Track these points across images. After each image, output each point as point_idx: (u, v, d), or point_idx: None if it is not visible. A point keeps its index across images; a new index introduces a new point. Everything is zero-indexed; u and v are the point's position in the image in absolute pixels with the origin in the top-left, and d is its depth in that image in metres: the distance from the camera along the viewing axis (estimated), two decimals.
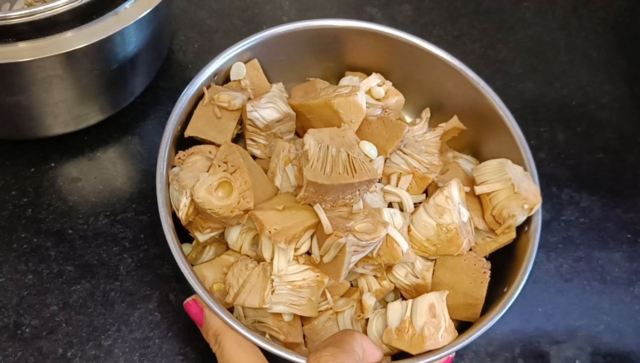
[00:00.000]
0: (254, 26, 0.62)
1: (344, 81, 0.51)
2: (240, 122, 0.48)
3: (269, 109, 0.46)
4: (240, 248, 0.45)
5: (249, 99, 0.48)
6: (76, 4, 0.42)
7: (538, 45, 0.66)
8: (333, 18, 0.52)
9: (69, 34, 0.42)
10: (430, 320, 0.41)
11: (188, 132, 0.47)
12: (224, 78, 0.50)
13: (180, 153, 0.46)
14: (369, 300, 0.44)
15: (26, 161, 0.53)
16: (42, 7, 0.41)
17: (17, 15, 0.41)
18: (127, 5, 0.44)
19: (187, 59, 0.60)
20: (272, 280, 0.42)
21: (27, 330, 0.46)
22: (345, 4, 0.65)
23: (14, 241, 0.49)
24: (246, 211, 0.42)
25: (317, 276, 0.42)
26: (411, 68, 0.53)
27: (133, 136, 0.55)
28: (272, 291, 0.41)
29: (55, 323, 0.47)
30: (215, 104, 0.47)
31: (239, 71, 0.50)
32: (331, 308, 0.45)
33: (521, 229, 0.47)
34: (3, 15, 0.41)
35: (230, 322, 0.40)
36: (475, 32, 0.65)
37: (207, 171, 0.43)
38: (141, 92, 0.55)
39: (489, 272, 0.45)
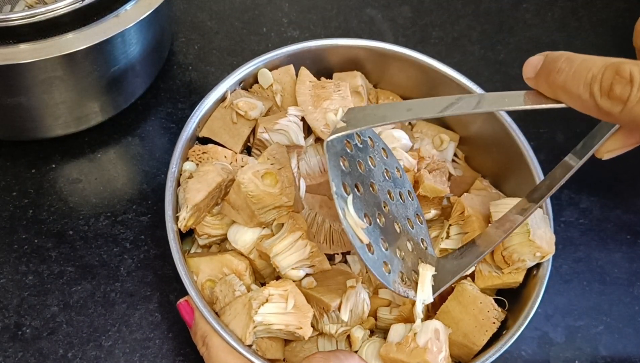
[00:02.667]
0: (254, 28, 0.63)
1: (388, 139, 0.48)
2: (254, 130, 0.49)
3: (280, 135, 0.47)
4: (250, 252, 0.44)
5: (269, 111, 0.49)
6: (77, 5, 0.42)
7: (538, 46, 0.66)
8: (364, 39, 0.52)
9: (69, 35, 0.43)
10: (434, 340, 0.40)
11: (203, 133, 0.47)
12: (253, 80, 0.51)
13: (196, 147, 0.47)
14: (357, 333, 0.44)
15: (27, 162, 0.53)
16: (43, 9, 0.41)
17: (18, 16, 0.41)
18: (127, 7, 0.44)
19: (188, 60, 0.60)
20: (254, 321, 0.40)
21: (27, 330, 0.47)
22: (345, 6, 0.65)
23: (14, 242, 0.49)
24: (289, 207, 0.42)
25: (299, 328, 0.41)
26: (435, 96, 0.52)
27: (133, 138, 0.55)
28: (255, 328, 0.40)
29: (55, 324, 0.47)
30: (233, 109, 0.47)
31: (264, 78, 0.50)
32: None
33: (530, 271, 0.45)
34: (4, 16, 0.41)
35: (218, 328, 0.40)
36: (475, 33, 0.66)
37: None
38: (142, 93, 0.56)
39: (498, 324, 0.43)
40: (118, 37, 0.46)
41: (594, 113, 0.30)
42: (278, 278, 0.44)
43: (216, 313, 0.42)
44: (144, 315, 0.48)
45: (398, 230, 0.41)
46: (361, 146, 0.41)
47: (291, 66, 0.50)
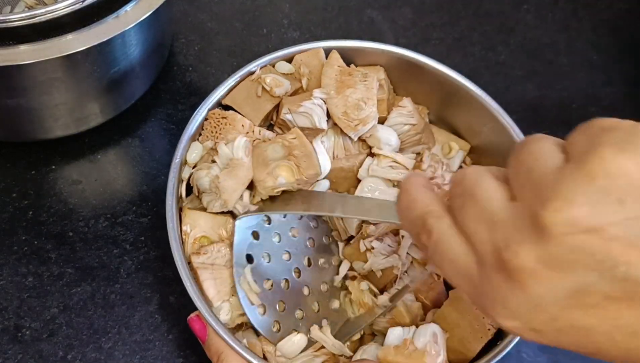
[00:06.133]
0: (254, 29, 0.63)
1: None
2: (277, 108, 0.49)
3: (303, 117, 0.47)
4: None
5: (294, 93, 0.48)
6: (77, 6, 0.42)
7: (538, 47, 0.66)
8: (378, 42, 0.51)
9: (69, 36, 0.42)
10: (433, 343, 0.41)
11: (226, 101, 0.48)
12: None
13: (217, 110, 0.47)
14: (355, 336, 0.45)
15: (27, 164, 0.53)
16: (43, 10, 0.41)
17: (18, 18, 0.41)
18: (127, 8, 0.44)
19: (188, 61, 0.60)
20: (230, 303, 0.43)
21: (27, 332, 0.46)
22: (345, 7, 0.65)
23: (14, 244, 0.49)
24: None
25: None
26: (448, 105, 0.52)
27: (134, 139, 0.55)
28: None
29: (55, 326, 0.47)
30: (260, 83, 0.47)
31: (284, 68, 0.50)
32: None
33: None
34: (4, 18, 0.41)
35: (232, 343, 0.39)
36: (476, 34, 0.65)
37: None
38: (142, 94, 0.55)
39: (493, 331, 0.43)
40: (118, 38, 0.46)
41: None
42: None
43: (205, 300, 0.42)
44: (144, 316, 0.48)
45: (306, 292, 0.45)
46: (284, 219, 0.46)
47: (320, 50, 0.50)
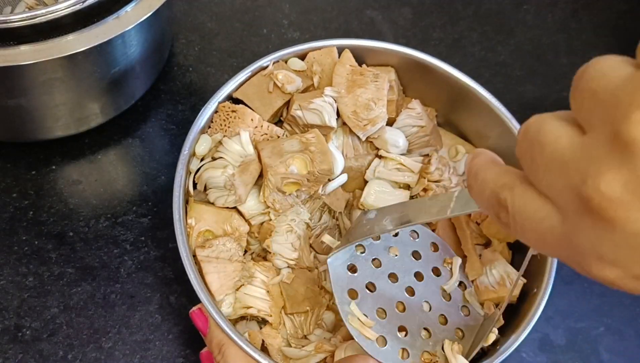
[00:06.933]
0: (254, 29, 0.63)
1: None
2: (287, 105, 0.49)
3: (313, 114, 0.47)
4: (251, 218, 0.45)
5: (305, 90, 0.48)
6: (77, 7, 0.42)
7: (538, 47, 0.66)
8: (387, 42, 0.52)
9: (70, 37, 0.43)
10: None
11: (237, 94, 0.48)
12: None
13: (227, 103, 0.47)
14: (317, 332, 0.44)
15: (27, 164, 0.53)
16: (43, 11, 0.41)
17: (18, 18, 0.41)
18: (128, 8, 0.44)
19: (188, 62, 0.60)
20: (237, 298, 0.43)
21: (27, 332, 0.46)
22: (345, 7, 0.65)
23: (14, 244, 0.49)
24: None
25: (269, 316, 0.43)
26: (457, 108, 0.52)
27: (134, 139, 0.55)
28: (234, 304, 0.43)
29: (55, 326, 0.47)
30: (272, 78, 0.48)
31: (296, 65, 0.50)
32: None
33: (530, 290, 0.45)
34: (4, 18, 0.41)
35: (233, 336, 0.39)
36: (476, 34, 0.66)
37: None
38: (142, 95, 0.56)
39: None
40: (118, 38, 0.46)
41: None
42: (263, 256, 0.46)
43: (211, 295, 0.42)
44: (144, 316, 0.48)
45: (427, 308, 0.43)
46: (377, 242, 0.44)
47: (334, 48, 0.50)
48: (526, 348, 0.50)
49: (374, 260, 0.43)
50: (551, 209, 0.24)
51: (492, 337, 0.42)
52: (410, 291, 0.43)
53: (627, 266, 0.23)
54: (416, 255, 0.44)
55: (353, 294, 0.42)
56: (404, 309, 0.42)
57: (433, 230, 0.46)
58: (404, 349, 0.41)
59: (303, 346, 0.43)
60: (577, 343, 0.51)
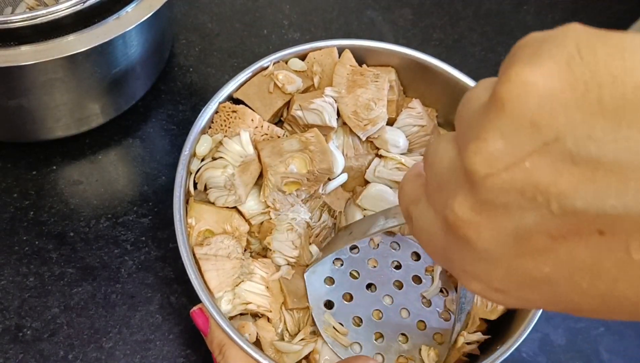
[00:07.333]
0: (255, 30, 0.63)
1: None
2: (287, 105, 0.49)
3: (313, 114, 0.47)
4: (251, 218, 0.45)
5: (305, 91, 0.48)
6: (78, 7, 0.42)
7: None
8: (387, 42, 0.52)
9: (70, 37, 0.43)
10: None
11: (237, 94, 0.48)
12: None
13: (227, 103, 0.47)
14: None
15: (28, 164, 0.53)
16: (44, 11, 0.41)
17: (19, 19, 0.41)
18: (128, 9, 0.44)
19: (188, 62, 0.60)
20: (235, 293, 0.43)
21: (28, 332, 0.47)
22: (345, 8, 0.65)
23: (15, 244, 0.50)
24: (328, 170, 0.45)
25: (269, 311, 0.43)
26: (457, 108, 0.52)
27: (134, 139, 0.55)
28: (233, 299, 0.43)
29: (56, 326, 0.47)
30: (273, 79, 0.48)
31: (296, 65, 0.50)
32: None
33: None
34: (5, 19, 0.41)
35: (234, 337, 0.40)
36: (476, 35, 0.66)
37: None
38: (142, 95, 0.56)
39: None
40: (119, 39, 0.46)
41: None
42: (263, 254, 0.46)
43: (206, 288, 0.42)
44: (145, 316, 0.48)
45: (406, 315, 0.44)
46: (356, 255, 0.46)
47: (334, 48, 0.50)
48: (526, 348, 0.50)
49: (352, 272, 0.45)
50: (440, 226, 0.26)
51: (461, 339, 0.43)
52: (389, 300, 0.44)
53: (486, 279, 0.25)
54: (396, 265, 0.46)
55: (329, 305, 0.44)
56: (381, 317, 0.44)
57: None
58: (379, 354, 0.43)
59: (294, 340, 0.43)
60: (577, 343, 0.51)
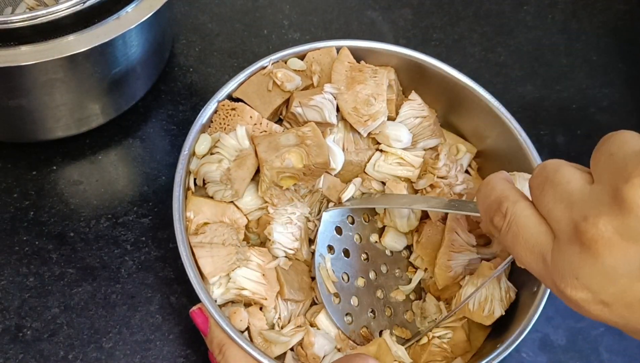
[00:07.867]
0: (255, 30, 0.63)
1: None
2: (286, 103, 0.49)
3: (313, 111, 0.47)
4: (248, 214, 0.45)
5: (304, 89, 0.48)
6: (78, 7, 0.42)
7: (538, 48, 0.66)
8: (388, 43, 0.52)
9: (70, 37, 0.43)
10: None
11: (236, 93, 0.48)
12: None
13: (226, 101, 0.47)
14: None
15: (28, 164, 0.53)
16: (44, 11, 0.41)
17: (19, 19, 0.41)
18: (129, 9, 0.44)
19: (189, 62, 0.60)
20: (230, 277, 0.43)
21: (28, 332, 0.47)
22: (346, 8, 0.65)
23: (15, 244, 0.50)
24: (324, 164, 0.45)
25: (264, 299, 0.43)
26: (456, 109, 0.52)
27: (134, 140, 0.55)
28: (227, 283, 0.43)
29: (56, 326, 0.47)
30: (272, 77, 0.48)
31: (295, 65, 0.50)
32: None
33: (530, 287, 0.45)
34: (5, 19, 0.41)
35: (234, 336, 0.40)
36: (476, 35, 0.66)
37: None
38: (142, 95, 0.56)
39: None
40: (119, 39, 0.46)
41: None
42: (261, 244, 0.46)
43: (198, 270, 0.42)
44: (145, 316, 0.48)
45: (380, 296, 0.46)
46: (366, 223, 0.48)
47: (333, 48, 0.50)
48: (526, 348, 0.50)
49: (357, 234, 0.47)
50: (546, 229, 0.31)
51: (425, 339, 0.45)
52: (375, 274, 0.47)
53: (597, 291, 0.28)
54: (390, 252, 0.48)
55: (331, 249, 0.46)
56: (364, 285, 0.46)
57: (444, 219, 0.47)
58: (350, 314, 0.45)
59: (284, 329, 0.43)
60: (577, 343, 0.51)
